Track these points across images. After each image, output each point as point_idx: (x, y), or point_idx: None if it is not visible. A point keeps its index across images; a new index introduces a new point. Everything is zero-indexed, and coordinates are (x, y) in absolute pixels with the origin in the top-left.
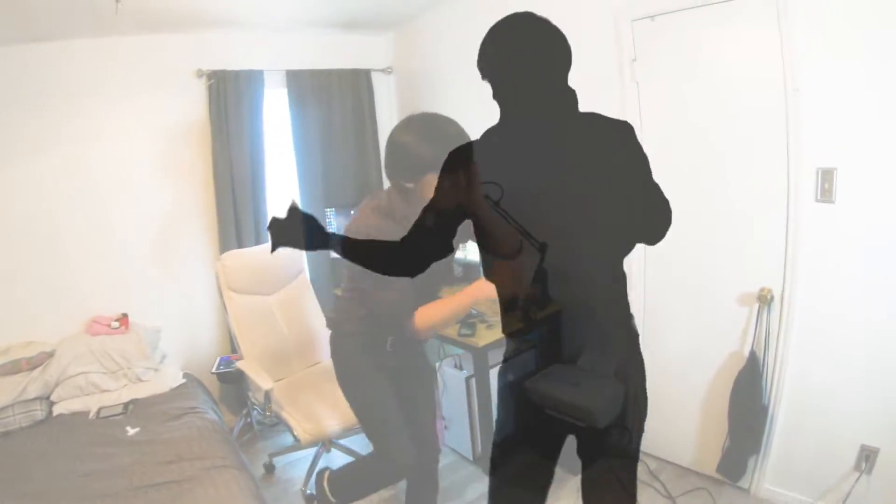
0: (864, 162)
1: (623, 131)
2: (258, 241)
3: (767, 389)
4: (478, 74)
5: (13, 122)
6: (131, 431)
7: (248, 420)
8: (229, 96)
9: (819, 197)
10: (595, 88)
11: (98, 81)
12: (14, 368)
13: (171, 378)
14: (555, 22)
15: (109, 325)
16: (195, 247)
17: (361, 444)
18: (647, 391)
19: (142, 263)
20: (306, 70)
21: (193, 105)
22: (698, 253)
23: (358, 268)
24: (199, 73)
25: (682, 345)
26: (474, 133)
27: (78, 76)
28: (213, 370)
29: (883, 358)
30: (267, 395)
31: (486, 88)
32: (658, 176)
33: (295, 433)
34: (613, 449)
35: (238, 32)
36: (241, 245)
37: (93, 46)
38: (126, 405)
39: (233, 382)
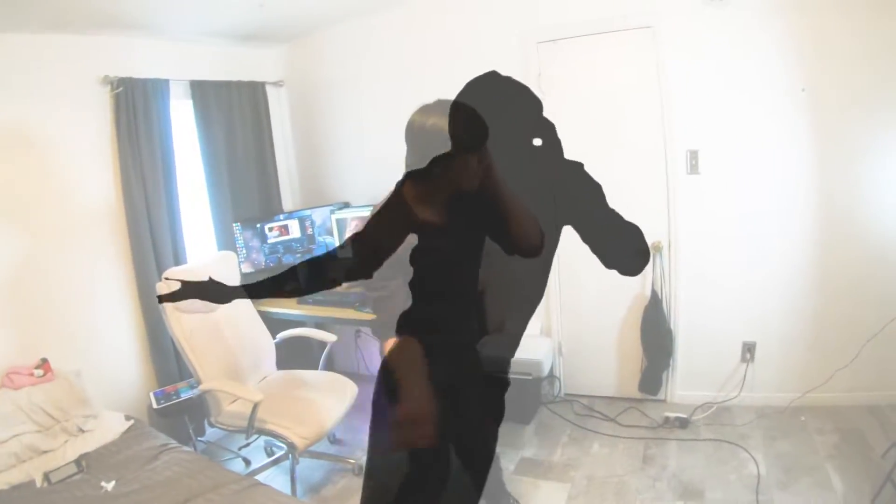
0: (720, 143)
1: (576, 169)
2: (177, 262)
3: (669, 316)
4: (371, 87)
5: None
6: (108, 486)
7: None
8: (137, 105)
9: (689, 171)
10: None
11: None
12: None
13: (115, 423)
14: (470, 45)
15: (32, 374)
16: (106, 276)
17: (326, 445)
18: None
19: (44, 299)
20: (209, 81)
21: (96, 115)
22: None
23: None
24: (106, 80)
25: (594, 297)
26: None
27: None
28: (156, 406)
29: (745, 274)
30: (253, 409)
31: (377, 102)
32: None
33: (290, 441)
34: None
35: (143, 38)
36: (160, 268)
37: None
38: (78, 462)
39: (175, 416)
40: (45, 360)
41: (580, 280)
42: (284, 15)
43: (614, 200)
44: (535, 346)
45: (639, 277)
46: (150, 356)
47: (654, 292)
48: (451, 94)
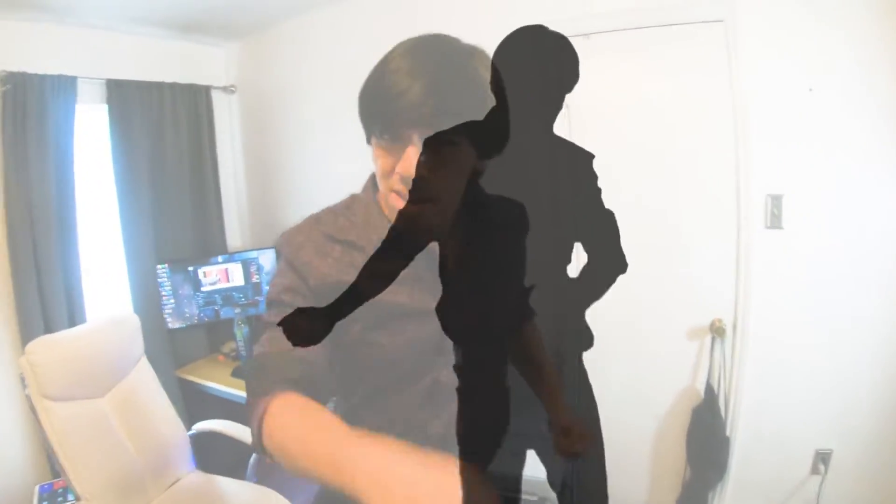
0: (814, 187)
1: (588, 160)
2: (73, 321)
3: (726, 420)
4: (345, 96)
5: None
6: None
7: None
8: (30, 109)
9: (769, 223)
10: None
11: None
12: None
13: None
14: (477, 40)
15: None
16: None
17: None
18: None
19: None
20: (132, 81)
21: None
22: (642, 287)
23: None
24: None
25: (627, 387)
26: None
27: None
28: None
29: (828, 364)
30: None
31: (347, 109)
32: None
33: None
34: None
35: (42, 24)
36: (49, 325)
37: None
38: None
39: None
40: None
41: (610, 360)
42: (234, 3)
43: (661, 260)
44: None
45: (689, 369)
46: (40, 439)
47: (709, 388)
48: None
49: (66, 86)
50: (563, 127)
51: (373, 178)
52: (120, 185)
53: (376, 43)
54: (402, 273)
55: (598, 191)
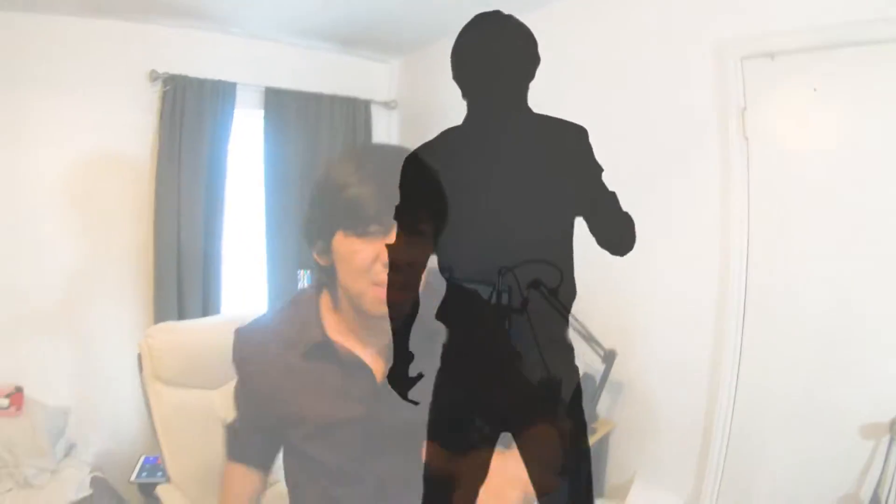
0: None
1: (579, 135)
2: (206, 311)
3: None
4: None
5: None
6: None
7: None
8: (188, 110)
9: None
10: (689, 144)
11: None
12: None
13: (72, 485)
14: (646, 60)
15: None
16: (122, 309)
17: None
18: None
19: (48, 321)
20: (291, 91)
21: (138, 118)
22: (810, 368)
23: None
24: (154, 76)
25: (781, 484)
26: None
27: None
28: (133, 478)
29: None
30: None
31: None
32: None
33: None
34: None
35: (206, 32)
36: (183, 312)
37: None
38: None
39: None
40: (18, 389)
41: (767, 457)
42: (399, 19)
43: (837, 337)
44: None
45: (856, 472)
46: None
47: (875, 499)
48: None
49: (225, 91)
50: (741, 164)
51: (316, 285)
52: (269, 188)
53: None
54: (330, 384)
55: (599, 169)
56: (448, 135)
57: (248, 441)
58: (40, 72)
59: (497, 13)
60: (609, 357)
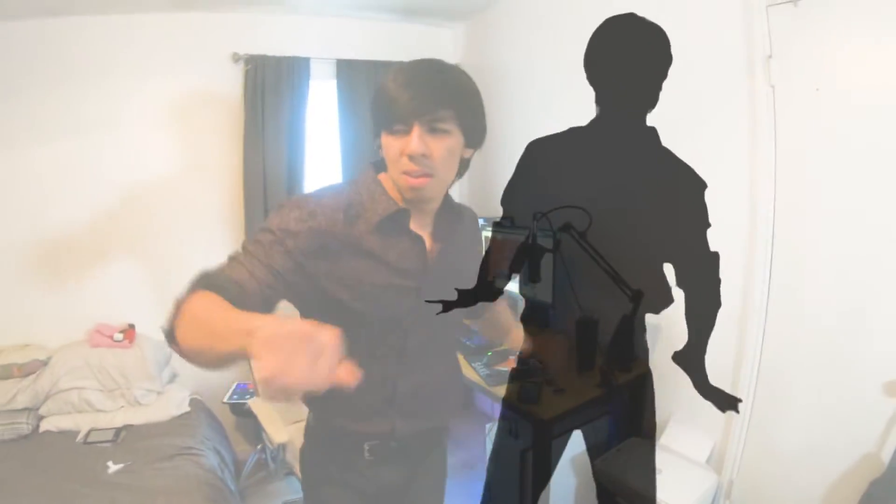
0: None
1: (699, 186)
2: None
3: None
4: (558, 74)
5: (21, 106)
6: (113, 468)
7: (263, 456)
8: (268, 85)
9: None
10: (716, 93)
11: (117, 62)
12: (4, 374)
13: (174, 404)
14: (671, 9)
15: (112, 337)
16: (217, 254)
17: None
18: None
19: (155, 267)
20: (360, 61)
21: (226, 94)
22: (837, 318)
23: None
24: (236, 58)
25: (804, 434)
26: None
27: (95, 55)
28: (226, 399)
29: None
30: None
31: (566, 90)
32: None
33: None
34: None
35: (280, 14)
36: None
37: (113, 23)
38: (118, 431)
39: (247, 416)
40: (131, 327)
41: (785, 409)
42: None
43: (873, 279)
44: (687, 479)
45: (879, 432)
46: None
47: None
48: None
49: (300, 65)
50: (765, 118)
51: (373, 166)
52: (345, 155)
53: (593, 20)
54: (393, 253)
55: (706, 225)
56: (573, 132)
57: (234, 284)
58: (137, 60)
59: (630, 16)
60: (636, 297)
